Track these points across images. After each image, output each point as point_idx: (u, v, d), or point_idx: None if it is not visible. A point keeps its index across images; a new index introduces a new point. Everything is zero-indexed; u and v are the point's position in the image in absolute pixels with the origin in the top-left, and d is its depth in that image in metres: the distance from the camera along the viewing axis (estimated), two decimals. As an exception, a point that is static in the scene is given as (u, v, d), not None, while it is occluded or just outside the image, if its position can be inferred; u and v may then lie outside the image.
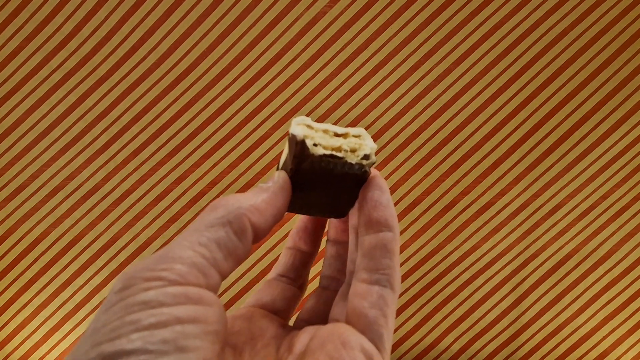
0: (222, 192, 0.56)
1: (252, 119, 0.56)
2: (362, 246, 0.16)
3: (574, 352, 0.57)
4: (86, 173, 0.56)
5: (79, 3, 0.54)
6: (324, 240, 0.55)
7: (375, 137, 0.56)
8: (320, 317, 0.19)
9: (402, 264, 0.57)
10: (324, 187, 0.17)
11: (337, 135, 0.17)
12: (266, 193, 0.16)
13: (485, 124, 0.56)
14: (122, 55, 0.55)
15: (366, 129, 0.56)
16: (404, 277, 0.57)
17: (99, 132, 0.55)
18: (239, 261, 0.15)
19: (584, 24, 0.55)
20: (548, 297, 0.57)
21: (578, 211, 0.56)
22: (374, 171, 0.18)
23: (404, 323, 0.58)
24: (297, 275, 0.21)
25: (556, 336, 0.57)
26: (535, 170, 0.56)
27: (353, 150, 0.17)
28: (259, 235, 0.15)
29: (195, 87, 0.55)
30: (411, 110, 0.56)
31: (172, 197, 0.56)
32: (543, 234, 0.57)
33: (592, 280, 0.57)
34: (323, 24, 0.55)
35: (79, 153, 0.56)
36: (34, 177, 0.56)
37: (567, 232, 0.57)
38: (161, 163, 0.56)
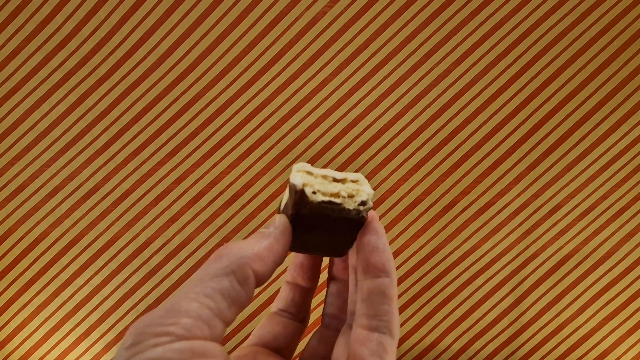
0: (222, 192, 0.56)
1: (252, 119, 0.56)
2: (361, 291, 0.17)
3: (574, 352, 0.57)
4: (86, 173, 0.56)
5: (79, 3, 0.54)
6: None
7: (375, 138, 0.56)
8: (322, 357, 0.20)
9: (402, 264, 0.57)
10: (323, 229, 0.18)
11: (335, 180, 0.18)
12: (267, 240, 0.17)
13: (485, 124, 0.56)
14: (122, 55, 0.55)
15: (366, 129, 0.56)
16: (404, 277, 0.57)
17: (99, 132, 0.55)
18: (241, 308, 0.15)
19: (584, 24, 0.55)
20: (548, 297, 0.57)
21: (578, 211, 0.56)
22: (371, 214, 0.18)
23: (404, 323, 0.58)
24: (298, 310, 0.21)
25: (556, 336, 0.57)
26: (535, 170, 0.56)
27: (351, 196, 0.18)
28: (261, 281, 0.16)
29: (195, 87, 0.55)
30: (411, 110, 0.56)
31: (172, 197, 0.56)
32: (543, 234, 0.57)
33: (592, 280, 0.57)
34: (323, 24, 0.55)
35: (79, 153, 0.56)
36: (34, 177, 0.56)
37: (567, 232, 0.57)
38: (161, 163, 0.56)
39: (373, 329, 0.16)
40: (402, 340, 0.58)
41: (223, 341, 0.57)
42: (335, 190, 0.17)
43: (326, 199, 0.17)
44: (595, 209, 0.56)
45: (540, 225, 0.57)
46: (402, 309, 0.58)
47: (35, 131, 0.55)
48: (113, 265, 0.57)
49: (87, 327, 0.57)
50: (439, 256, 0.57)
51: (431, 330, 0.58)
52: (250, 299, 0.16)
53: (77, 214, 0.56)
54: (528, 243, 0.57)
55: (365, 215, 0.18)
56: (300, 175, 0.17)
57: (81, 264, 0.57)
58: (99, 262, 0.57)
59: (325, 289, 0.22)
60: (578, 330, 0.57)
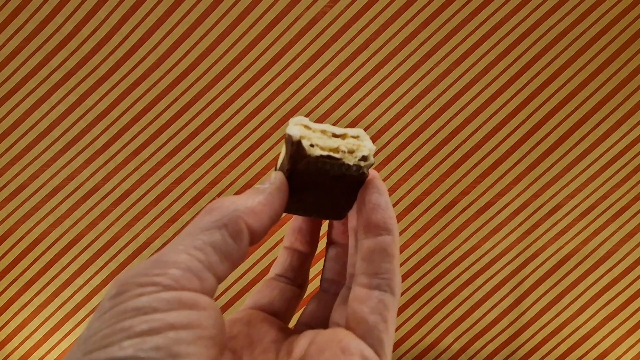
0: (222, 192, 0.56)
1: (252, 119, 0.56)
2: (361, 250, 0.16)
3: (574, 352, 0.57)
4: (86, 173, 0.56)
5: (79, 3, 0.54)
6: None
7: (375, 137, 0.56)
8: (321, 320, 0.19)
9: (402, 264, 0.57)
10: (321, 188, 0.17)
11: (335, 135, 0.17)
12: (262, 195, 0.16)
13: (485, 124, 0.56)
14: (122, 55, 0.55)
15: (366, 129, 0.56)
16: (404, 277, 0.57)
17: (99, 132, 0.55)
18: (235, 264, 0.15)
19: (584, 24, 0.55)
20: (548, 297, 0.57)
21: (578, 211, 0.56)
22: (372, 173, 0.17)
23: (404, 323, 0.58)
24: (296, 275, 0.20)
25: (556, 336, 0.57)
26: (535, 170, 0.56)
27: (351, 152, 0.17)
28: (256, 237, 0.15)
29: (195, 87, 0.55)
30: (411, 110, 0.56)
31: (172, 197, 0.56)
32: (543, 234, 0.57)
33: (592, 280, 0.57)
34: (323, 24, 0.55)
35: (79, 153, 0.56)
36: (34, 177, 0.56)
37: (567, 232, 0.57)
38: (161, 163, 0.56)
39: (374, 287, 0.15)
40: (402, 340, 0.58)
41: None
42: (334, 145, 0.16)
43: (325, 153, 0.16)
44: (595, 209, 0.56)
45: (540, 225, 0.57)
46: (402, 309, 0.58)
47: (35, 131, 0.55)
48: (113, 265, 0.57)
49: (87, 327, 0.57)
50: (439, 256, 0.57)
51: (431, 330, 0.58)
52: (244, 256, 0.15)
53: (77, 214, 0.56)
54: (528, 243, 0.57)
55: (366, 172, 0.17)
56: (298, 128, 0.16)
57: (81, 264, 0.57)
58: (99, 262, 0.57)
59: (324, 255, 0.21)
60: (578, 330, 0.57)
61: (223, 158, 0.56)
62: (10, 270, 0.56)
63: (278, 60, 0.55)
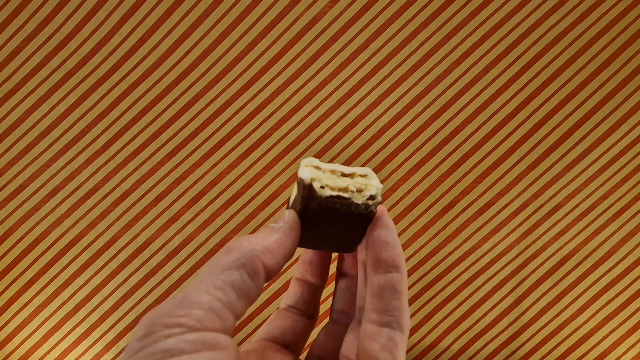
0: (222, 192, 0.56)
1: (252, 119, 0.56)
2: (371, 286, 0.17)
3: (574, 352, 0.57)
4: (86, 173, 0.56)
5: (79, 3, 0.54)
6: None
7: (375, 138, 0.56)
8: (331, 353, 0.19)
9: (402, 264, 0.57)
10: (331, 224, 0.18)
11: (344, 175, 0.18)
12: (277, 234, 0.17)
13: (485, 124, 0.56)
14: (122, 55, 0.55)
15: (366, 129, 0.56)
16: (404, 277, 0.57)
17: (99, 132, 0.55)
18: (251, 301, 0.15)
19: (584, 24, 0.55)
20: (548, 297, 0.57)
21: (578, 211, 0.56)
22: (380, 209, 0.18)
23: (404, 323, 0.58)
24: (307, 307, 0.21)
25: (556, 336, 0.57)
26: (535, 170, 0.56)
27: (359, 191, 0.17)
28: (271, 275, 0.16)
29: (195, 87, 0.55)
30: (411, 110, 0.56)
31: (172, 197, 0.56)
32: (543, 234, 0.57)
33: (592, 280, 0.57)
34: (323, 24, 0.55)
35: (79, 153, 0.56)
36: (34, 177, 0.56)
37: (567, 232, 0.57)
38: (161, 163, 0.56)
39: (383, 324, 0.16)
40: (402, 340, 0.58)
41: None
42: (343, 185, 0.17)
43: (335, 193, 0.17)
44: (595, 209, 0.56)
45: (540, 225, 0.57)
46: (402, 309, 0.58)
47: (35, 131, 0.55)
48: (113, 265, 0.57)
49: (87, 327, 0.57)
50: (439, 256, 0.57)
51: (431, 330, 0.58)
52: (259, 293, 0.16)
53: (77, 214, 0.56)
54: (528, 243, 0.57)
55: (374, 210, 0.17)
56: (309, 170, 0.17)
57: (81, 264, 0.57)
58: (99, 262, 0.57)
59: (334, 284, 0.21)
60: (578, 330, 0.57)
61: (223, 158, 0.56)
62: (10, 270, 0.56)
63: (278, 60, 0.55)
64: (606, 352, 0.57)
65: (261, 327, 0.21)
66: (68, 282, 0.57)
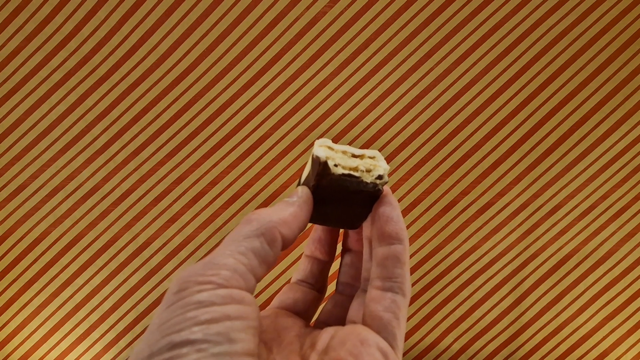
0: (222, 192, 0.56)
1: (252, 119, 0.56)
2: (375, 257, 0.19)
3: (574, 352, 0.57)
4: (86, 173, 0.56)
5: (79, 3, 0.54)
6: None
7: (375, 138, 0.56)
8: (337, 319, 0.21)
9: (402, 264, 0.57)
10: (340, 201, 0.19)
11: (354, 156, 0.19)
12: (292, 207, 0.18)
13: (485, 124, 0.56)
14: (122, 55, 0.55)
15: (366, 129, 0.56)
16: (404, 277, 0.57)
17: (99, 132, 0.55)
18: (270, 267, 0.17)
19: (584, 24, 0.55)
20: (548, 297, 0.57)
21: (578, 211, 0.56)
22: (386, 189, 0.20)
23: (404, 323, 0.58)
24: (315, 281, 0.23)
25: (556, 336, 0.57)
26: (535, 170, 0.56)
27: (368, 171, 0.19)
28: (287, 244, 0.18)
29: (195, 87, 0.55)
30: (411, 110, 0.56)
31: (172, 197, 0.56)
32: (543, 234, 0.57)
33: (592, 280, 0.57)
34: (323, 24, 0.55)
35: (79, 153, 0.56)
36: (34, 177, 0.56)
37: (567, 232, 0.57)
38: (161, 163, 0.56)
39: (387, 289, 0.18)
40: (402, 340, 0.58)
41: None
42: (354, 165, 0.19)
43: (346, 172, 0.18)
44: (595, 209, 0.56)
45: (540, 225, 0.57)
46: (402, 309, 0.58)
47: (35, 131, 0.55)
48: (113, 265, 0.57)
49: (87, 327, 0.57)
50: (439, 256, 0.57)
51: (431, 330, 0.58)
52: (277, 260, 0.18)
53: (77, 214, 0.56)
54: (528, 243, 0.57)
55: (381, 189, 0.19)
56: (323, 149, 0.19)
57: (81, 264, 0.57)
58: (99, 262, 0.57)
59: (340, 260, 0.23)
60: (578, 330, 0.57)
61: (223, 158, 0.56)
62: (10, 270, 0.56)
63: (278, 60, 0.55)
64: (606, 352, 0.57)
65: (274, 299, 0.22)
66: (68, 282, 0.57)
